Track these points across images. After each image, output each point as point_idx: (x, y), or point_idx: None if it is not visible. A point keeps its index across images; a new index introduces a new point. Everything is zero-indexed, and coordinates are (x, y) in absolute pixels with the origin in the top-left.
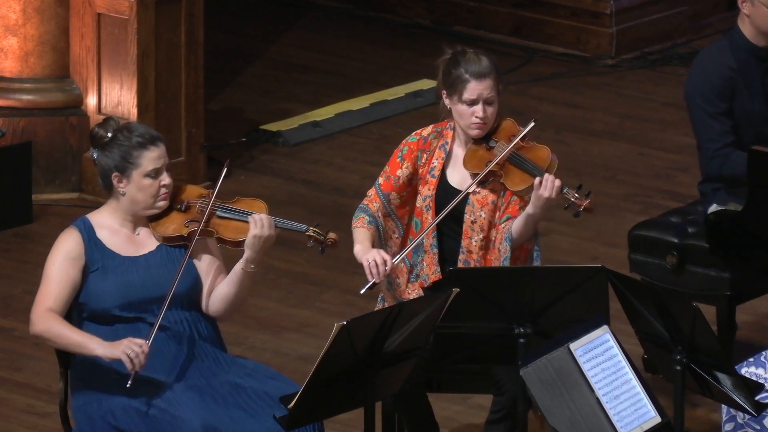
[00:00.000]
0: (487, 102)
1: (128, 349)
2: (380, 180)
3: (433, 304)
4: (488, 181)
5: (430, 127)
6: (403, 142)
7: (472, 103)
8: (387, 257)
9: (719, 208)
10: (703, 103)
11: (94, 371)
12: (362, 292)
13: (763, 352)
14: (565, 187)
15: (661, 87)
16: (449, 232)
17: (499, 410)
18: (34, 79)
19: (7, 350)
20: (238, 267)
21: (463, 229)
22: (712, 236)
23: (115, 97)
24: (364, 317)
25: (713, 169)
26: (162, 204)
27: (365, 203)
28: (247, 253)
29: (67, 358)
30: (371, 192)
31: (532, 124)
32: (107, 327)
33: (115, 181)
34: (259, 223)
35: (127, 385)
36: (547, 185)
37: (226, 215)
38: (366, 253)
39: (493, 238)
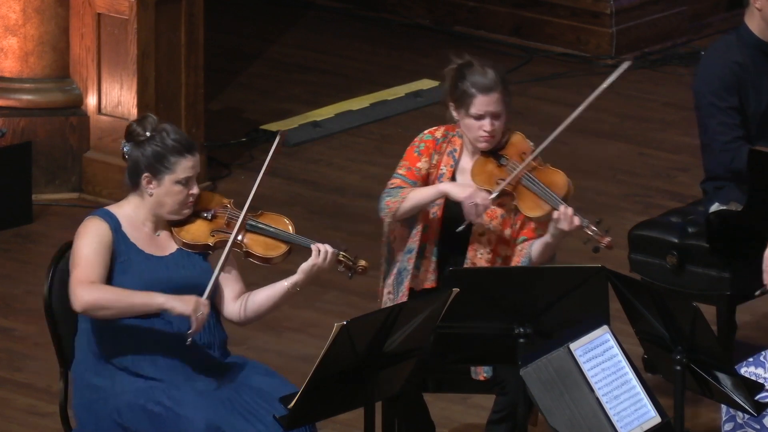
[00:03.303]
0: (494, 116)
1: (198, 311)
2: (401, 171)
3: (433, 304)
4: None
5: (442, 129)
6: (418, 139)
7: (480, 117)
8: (488, 199)
9: (720, 208)
10: (712, 98)
11: (99, 370)
12: (458, 230)
13: (763, 352)
14: (585, 221)
15: (661, 87)
16: (453, 241)
17: (502, 410)
18: (34, 79)
19: (7, 350)
20: (284, 285)
21: (470, 240)
22: (712, 236)
23: (115, 97)
24: (364, 317)
25: (723, 163)
26: (186, 212)
27: (392, 186)
28: (300, 276)
29: (67, 358)
30: (395, 181)
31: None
32: (119, 319)
33: (144, 182)
34: (323, 255)
35: (187, 343)
36: (566, 219)
37: (259, 231)
38: (465, 190)
39: (502, 254)
